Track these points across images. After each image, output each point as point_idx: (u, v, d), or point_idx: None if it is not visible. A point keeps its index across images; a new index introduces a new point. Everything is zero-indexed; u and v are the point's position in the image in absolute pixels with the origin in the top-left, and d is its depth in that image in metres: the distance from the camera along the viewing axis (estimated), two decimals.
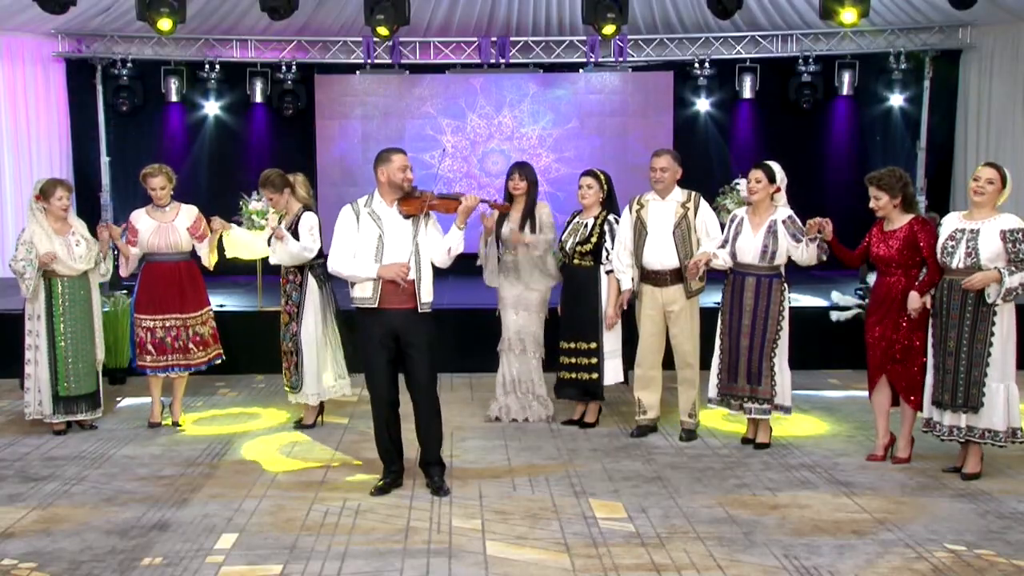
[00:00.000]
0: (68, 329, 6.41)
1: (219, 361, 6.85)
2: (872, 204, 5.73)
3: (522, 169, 6.68)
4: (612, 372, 6.53)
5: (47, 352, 6.39)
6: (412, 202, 5.17)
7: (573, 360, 6.51)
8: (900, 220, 5.70)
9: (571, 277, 6.54)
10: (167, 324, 6.58)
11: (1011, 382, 5.36)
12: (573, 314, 6.50)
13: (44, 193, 6.38)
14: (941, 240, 5.46)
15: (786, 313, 5.99)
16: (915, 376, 5.70)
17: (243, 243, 7.16)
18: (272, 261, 6.62)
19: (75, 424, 6.59)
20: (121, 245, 6.56)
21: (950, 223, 5.50)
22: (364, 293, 5.18)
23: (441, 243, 5.22)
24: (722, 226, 6.29)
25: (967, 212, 5.49)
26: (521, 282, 6.65)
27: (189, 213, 6.66)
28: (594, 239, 6.39)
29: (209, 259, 6.73)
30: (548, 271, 6.66)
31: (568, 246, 6.47)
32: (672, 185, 6.27)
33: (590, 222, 6.45)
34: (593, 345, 6.46)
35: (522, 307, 6.68)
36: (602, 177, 6.52)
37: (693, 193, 6.30)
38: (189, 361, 6.67)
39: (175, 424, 6.75)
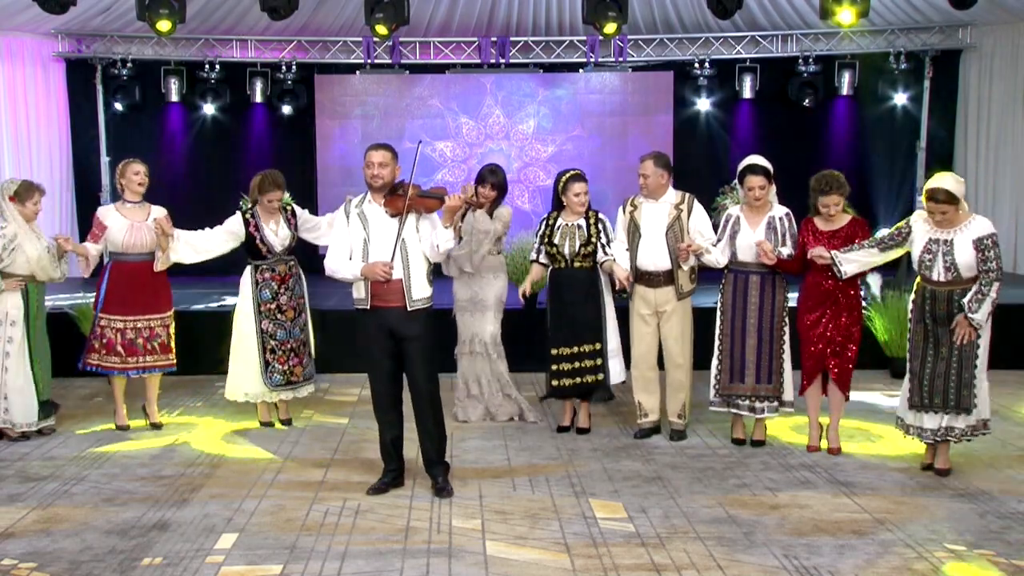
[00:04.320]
0: (39, 335, 6.41)
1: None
2: (833, 211, 5.74)
3: (493, 176, 6.65)
4: (616, 372, 6.47)
5: (27, 358, 6.32)
6: (395, 200, 5.14)
7: (576, 364, 6.36)
8: (841, 220, 5.80)
9: (570, 281, 6.37)
10: (139, 325, 6.51)
11: (983, 376, 5.41)
12: (574, 318, 6.35)
13: (19, 196, 6.28)
14: (917, 252, 5.39)
15: (787, 309, 6.03)
16: (849, 367, 5.88)
17: (192, 247, 6.58)
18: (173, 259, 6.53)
19: (34, 433, 6.43)
20: (79, 248, 6.46)
21: (921, 232, 5.39)
22: (359, 294, 5.21)
23: (429, 240, 5.19)
24: (716, 226, 6.27)
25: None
26: (474, 283, 6.65)
27: (159, 213, 6.56)
28: (594, 239, 6.34)
29: (161, 263, 6.52)
30: (501, 268, 6.71)
31: (567, 251, 6.32)
32: (660, 188, 6.19)
33: (582, 223, 6.34)
34: (597, 346, 6.37)
35: (478, 308, 6.66)
36: (586, 180, 6.44)
37: (687, 195, 6.25)
38: (169, 360, 6.64)
39: (156, 426, 6.69)
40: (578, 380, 6.38)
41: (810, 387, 5.99)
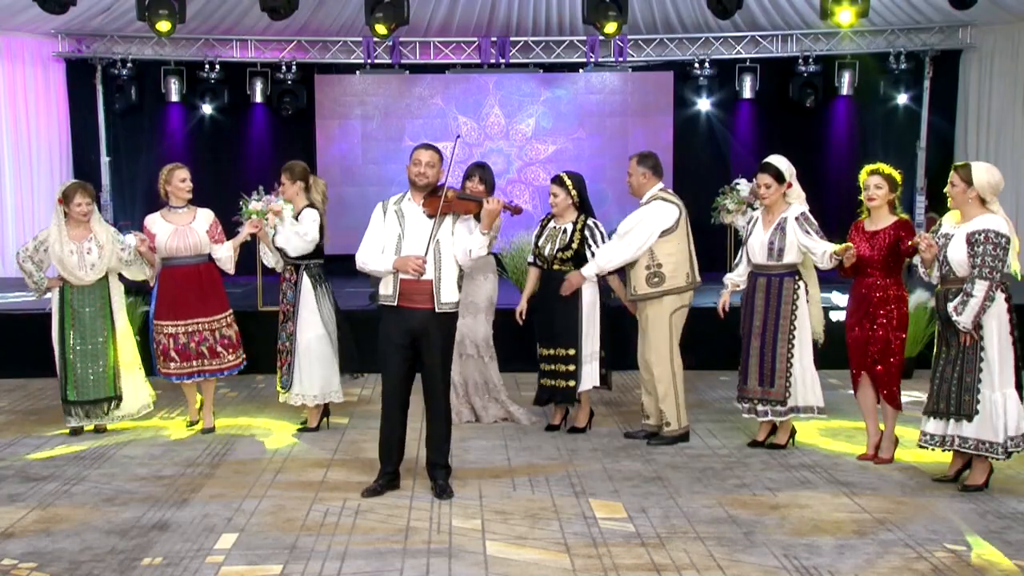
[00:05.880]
0: (77, 336, 6.39)
1: (243, 366, 6.70)
2: (872, 193, 5.66)
3: (482, 171, 6.60)
4: (589, 377, 6.35)
5: (60, 357, 6.40)
6: (433, 201, 5.16)
7: (552, 367, 6.37)
8: (885, 220, 5.67)
9: (550, 283, 6.36)
10: (190, 329, 6.46)
11: (1010, 389, 5.13)
12: (552, 320, 6.34)
13: (65, 197, 6.33)
14: None
15: (801, 312, 5.89)
16: (894, 376, 5.70)
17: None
18: (268, 261, 6.53)
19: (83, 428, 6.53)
20: (148, 254, 6.44)
21: (944, 227, 5.34)
22: (386, 290, 5.19)
23: (462, 244, 5.19)
24: (722, 227, 6.24)
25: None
26: (465, 284, 6.49)
27: (206, 216, 6.56)
28: (575, 244, 6.29)
29: (232, 263, 6.56)
30: (491, 269, 6.64)
31: (547, 252, 6.33)
32: (641, 187, 6.19)
33: (568, 227, 6.33)
34: (572, 351, 6.31)
35: (468, 310, 6.56)
36: (569, 183, 6.34)
37: (652, 194, 6.16)
38: (221, 365, 6.55)
39: (208, 431, 6.59)
40: (554, 383, 6.40)
41: (860, 392, 5.83)
